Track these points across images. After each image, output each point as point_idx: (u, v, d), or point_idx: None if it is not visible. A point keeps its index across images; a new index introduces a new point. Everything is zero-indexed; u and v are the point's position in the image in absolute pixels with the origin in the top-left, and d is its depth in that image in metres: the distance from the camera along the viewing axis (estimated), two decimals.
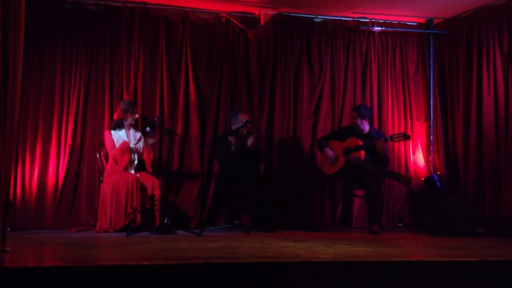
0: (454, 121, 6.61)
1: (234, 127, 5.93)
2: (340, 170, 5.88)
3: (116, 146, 5.74)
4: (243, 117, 5.93)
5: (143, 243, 4.15)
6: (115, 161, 5.66)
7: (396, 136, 5.80)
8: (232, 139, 5.80)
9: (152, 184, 5.58)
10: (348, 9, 6.54)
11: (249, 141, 5.85)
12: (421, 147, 6.77)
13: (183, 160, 6.25)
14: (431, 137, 6.78)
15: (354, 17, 6.73)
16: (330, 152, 5.96)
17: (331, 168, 5.98)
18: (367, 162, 5.79)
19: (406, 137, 5.79)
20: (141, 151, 5.83)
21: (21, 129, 5.75)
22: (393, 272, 2.93)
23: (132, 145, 5.77)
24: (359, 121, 5.98)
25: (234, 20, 6.48)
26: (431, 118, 6.79)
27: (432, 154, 6.74)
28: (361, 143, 5.84)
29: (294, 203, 6.36)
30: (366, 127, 6.03)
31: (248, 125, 5.88)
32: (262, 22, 6.54)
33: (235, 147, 5.81)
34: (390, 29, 6.79)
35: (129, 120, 5.80)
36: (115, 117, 5.90)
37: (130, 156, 5.74)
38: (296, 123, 6.54)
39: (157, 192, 5.57)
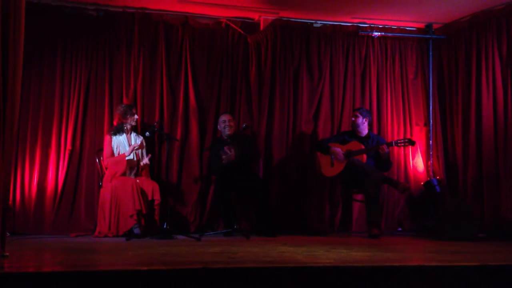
0: (453, 126, 6.62)
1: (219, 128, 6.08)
2: (341, 173, 5.88)
3: (115, 152, 5.75)
4: (221, 118, 6.04)
5: (142, 248, 4.15)
6: (109, 168, 5.69)
7: (401, 141, 5.80)
8: (222, 154, 5.78)
9: (152, 189, 5.57)
10: (347, 14, 6.56)
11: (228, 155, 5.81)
12: (421, 152, 6.77)
13: (183, 165, 6.25)
14: (431, 141, 6.78)
15: (353, 22, 6.75)
16: (337, 149, 5.92)
17: (331, 170, 5.98)
18: (368, 166, 5.79)
19: (411, 142, 5.80)
20: (143, 160, 5.82)
21: (21, 134, 5.76)
22: (393, 276, 2.92)
23: (129, 150, 5.76)
24: (360, 120, 6.00)
25: (233, 25, 6.50)
26: (431, 122, 6.80)
27: (431, 159, 6.75)
28: (363, 147, 5.85)
29: (294, 208, 6.35)
30: (365, 129, 6.06)
31: (248, 129, 5.89)
32: (261, 27, 6.56)
33: (224, 159, 5.78)
34: (390, 34, 6.81)
35: (130, 122, 5.81)
36: (115, 123, 5.91)
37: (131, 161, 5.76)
38: (296, 127, 6.54)
39: (157, 197, 5.57)
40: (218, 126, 6.14)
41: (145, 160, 5.79)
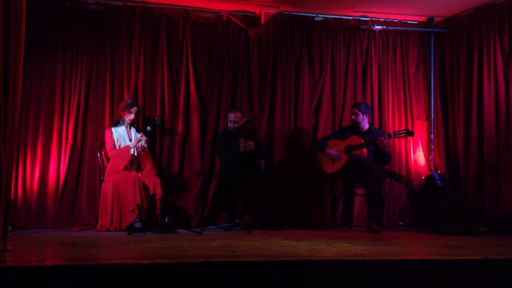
0: (454, 120, 6.61)
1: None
2: (342, 168, 5.88)
3: (116, 145, 5.74)
4: (228, 116, 5.98)
5: (144, 242, 4.15)
6: (112, 160, 5.68)
7: (399, 132, 5.80)
8: (241, 140, 5.80)
9: (154, 183, 5.58)
10: (348, 8, 6.54)
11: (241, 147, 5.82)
12: (422, 146, 6.77)
13: (184, 159, 6.26)
14: (432, 135, 6.78)
15: (354, 16, 6.73)
16: (332, 151, 5.96)
17: (332, 167, 5.98)
18: (369, 160, 5.79)
19: (409, 133, 5.79)
20: (141, 147, 5.78)
21: (22, 128, 5.76)
22: (394, 270, 2.92)
23: (134, 142, 5.75)
24: (360, 117, 5.99)
25: (234, 19, 6.48)
26: (432, 116, 6.79)
27: (432, 153, 6.74)
28: (362, 141, 5.85)
29: (295, 202, 6.36)
30: (366, 125, 6.06)
31: (249, 123, 5.90)
32: (262, 21, 6.54)
33: (242, 147, 5.80)
34: (391, 28, 6.79)
35: (126, 119, 5.78)
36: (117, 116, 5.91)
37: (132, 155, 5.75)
38: (297, 122, 6.54)
39: (158, 192, 5.57)
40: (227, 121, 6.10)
41: (143, 144, 5.74)
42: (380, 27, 6.72)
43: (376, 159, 5.91)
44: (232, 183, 5.80)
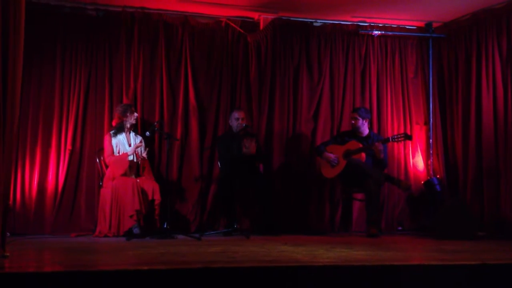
0: (453, 125, 6.62)
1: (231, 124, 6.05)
2: (341, 173, 5.88)
3: (115, 151, 5.74)
4: (235, 115, 6.01)
5: (142, 247, 4.15)
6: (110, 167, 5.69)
7: (397, 136, 5.79)
8: (246, 142, 5.82)
9: (153, 189, 5.58)
10: (347, 13, 6.55)
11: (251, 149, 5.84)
12: (421, 151, 6.77)
13: (183, 164, 6.25)
14: (431, 140, 6.78)
15: (353, 21, 6.74)
16: (330, 156, 5.95)
17: (331, 171, 5.98)
18: (369, 165, 5.79)
19: (407, 137, 5.78)
20: (141, 156, 5.80)
21: (21, 134, 5.76)
22: (393, 276, 2.92)
23: (132, 148, 5.76)
24: (360, 122, 5.99)
25: (233, 25, 6.49)
26: (431, 121, 6.79)
27: (431, 158, 6.74)
28: (361, 145, 5.85)
29: (294, 207, 6.35)
30: (366, 130, 6.06)
31: (248, 128, 5.91)
32: (261, 26, 6.56)
33: (245, 149, 5.81)
34: (389, 33, 6.81)
35: (130, 120, 5.80)
36: (113, 123, 5.89)
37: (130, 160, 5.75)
38: (296, 127, 6.54)
39: (157, 197, 5.57)
40: (230, 121, 6.13)
41: (143, 154, 5.77)
42: (379, 32, 6.73)
43: (374, 164, 5.91)
44: (231, 187, 5.80)
